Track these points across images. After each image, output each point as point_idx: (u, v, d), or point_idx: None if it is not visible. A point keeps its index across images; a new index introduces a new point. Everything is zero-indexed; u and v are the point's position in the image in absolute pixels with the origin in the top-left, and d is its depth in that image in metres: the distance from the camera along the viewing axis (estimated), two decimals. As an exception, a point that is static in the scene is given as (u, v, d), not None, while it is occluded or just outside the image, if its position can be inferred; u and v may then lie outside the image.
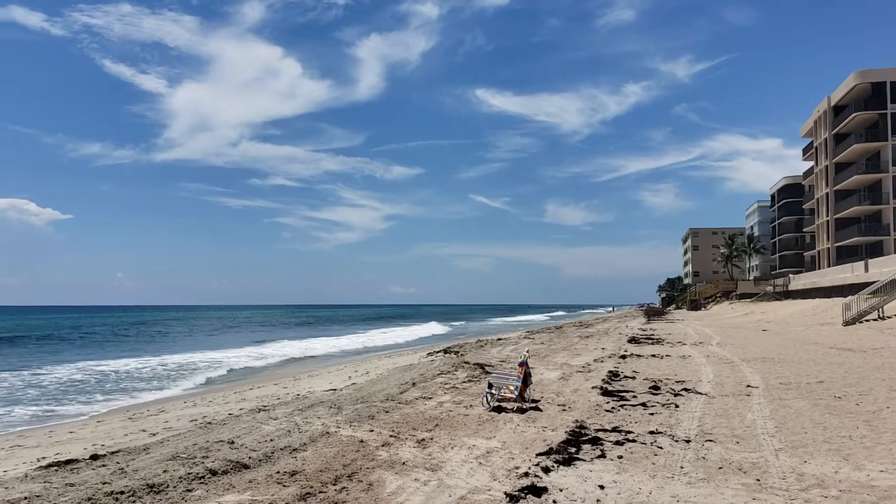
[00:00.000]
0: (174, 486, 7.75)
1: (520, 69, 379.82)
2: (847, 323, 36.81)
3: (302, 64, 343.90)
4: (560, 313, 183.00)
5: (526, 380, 13.05)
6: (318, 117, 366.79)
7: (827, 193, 77.32)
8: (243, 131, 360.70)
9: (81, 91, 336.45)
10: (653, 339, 34.13)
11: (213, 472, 8.28)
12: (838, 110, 74.91)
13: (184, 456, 9.33)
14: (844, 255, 71.70)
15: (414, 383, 17.07)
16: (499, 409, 12.31)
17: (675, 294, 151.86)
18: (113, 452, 10.19)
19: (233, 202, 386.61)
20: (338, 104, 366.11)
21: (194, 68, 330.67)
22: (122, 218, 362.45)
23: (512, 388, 12.81)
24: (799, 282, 73.00)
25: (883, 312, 36.51)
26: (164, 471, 8.49)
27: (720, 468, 8.02)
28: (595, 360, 22.21)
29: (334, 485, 7.57)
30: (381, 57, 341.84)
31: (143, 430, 13.01)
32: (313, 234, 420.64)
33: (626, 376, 17.39)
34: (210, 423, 12.96)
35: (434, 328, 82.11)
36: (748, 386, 15.11)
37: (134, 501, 7.25)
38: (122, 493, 7.52)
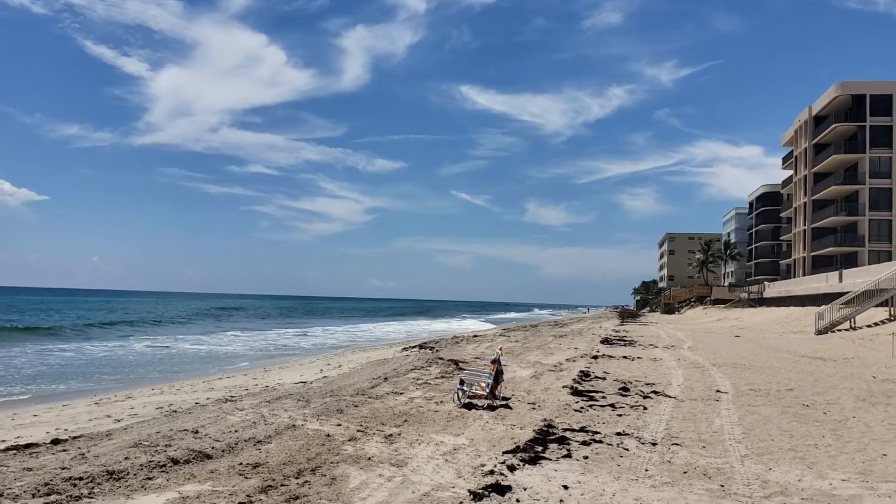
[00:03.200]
0: (134, 474, 7.64)
1: (505, 68, 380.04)
2: (819, 332, 37.19)
3: (286, 52, 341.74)
4: (543, 312, 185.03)
5: (497, 377, 13.03)
6: (300, 106, 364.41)
7: (805, 203, 78.03)
8: (224, 117, 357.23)
9: (62, 71, 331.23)
10: (625, 340, 34.28)
11: (175, 461, 8.17)
12: (819, 121, 75.57)
13: (146, 443, 9.20)
14: (820, 265, 72.38)
15: (386, 378, 16.99)
16: (469, 406, 12.27)
17: (650, 297, 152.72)
18: (75, 437, 10.05)
19: (211, 188, 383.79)
20: (321, 94, 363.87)
21: (177, 53, 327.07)
22: (99, 201, 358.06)
23: (483, 385, 12.78)
24: (773, 289, 73.65)
25: (855, 323, 36.92)
26: (126, 458, 8.37)
27: (685, 472, 8.03)
28: (567, 360, 22.26)
29: (297, 478, 7.49)
30: (367, 49, 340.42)
31: (108, 416, 12.84)
32: (291, 224, 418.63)
33: (596, 377, 17.43)
34: (176, 411, 12.82)
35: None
36: (718, 391, 15.18)
37: (92, 488, 7.13)
38: (80, 478, 7.40)
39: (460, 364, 20.10)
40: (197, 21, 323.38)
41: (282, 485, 7.24)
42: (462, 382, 12.95)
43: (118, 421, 12.11)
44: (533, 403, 12.95)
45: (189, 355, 32.24)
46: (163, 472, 7.76)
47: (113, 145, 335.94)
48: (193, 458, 8.33)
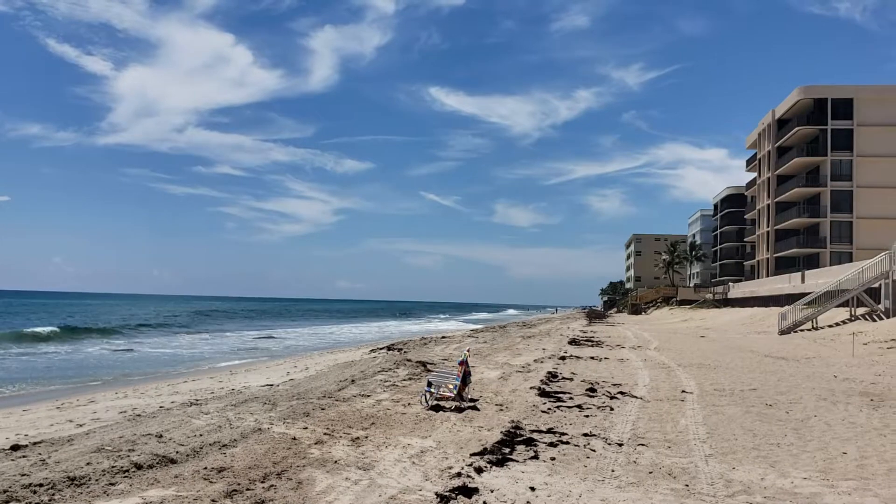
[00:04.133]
0: (96, 480, 7.51)
1: (473, 69, 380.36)
2: (782, 332, 37.78)
3: (253, 52, 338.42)
4: (516, 312, 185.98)
5: (465, 379, 13.03)
6: (267, 107, 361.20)
7: (768, 205, 79.20)
8: (190, 118, 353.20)
9: (23, 70, 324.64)
10: (593, 341, 34.51)
11: (139, 466, 8.05)
12: (782, 124, 76.79)
13: (109, 448, 9.05)
14: (783, 266, 73.50)
15: (353, 380, 16.92)
16: (437, 408, 12.27)
17: (617, 298, 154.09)
18: (35, 443, 9.84)
19: (177, 189, 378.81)
20: (289, 94, 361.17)
21: (142, 52, 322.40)
22: (61, 202, 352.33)
23: (451, 386, 12.77)
24: (738, 290, 74.67)
25: (816, 323, 37.57)
26: (88, 463, 8.22)
27: (650, 473, 8.10)
28: (535, 361, 22.34)
29: (262, 482, 7.42)
30: (335, 49, 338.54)
31: (70, 421, 12.60)
32: (259, 226, 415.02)
33: (564, 377, 17.52)
34: (139, 415, 12.63)
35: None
36: (683, 391, 15.34)
37: (53, 495, 7.00)
38: (40, 485, 7.26)
39: (428, 366, 20.08)
40: (162, 20, 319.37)
41: (247, 489, 7.17)
42: (430, 384, 12.93)
43: (80, 426, 11.89)
44: (501, 405, 12.97)
45: (154, 358, 31.86)
46: (126, 477, 7.65)
47: (76, 145, 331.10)
48: (157, 463, 8.21)
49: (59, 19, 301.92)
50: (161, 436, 9.89)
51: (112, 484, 7.38)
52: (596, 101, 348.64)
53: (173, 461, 8.35)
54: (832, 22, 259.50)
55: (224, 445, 9.22)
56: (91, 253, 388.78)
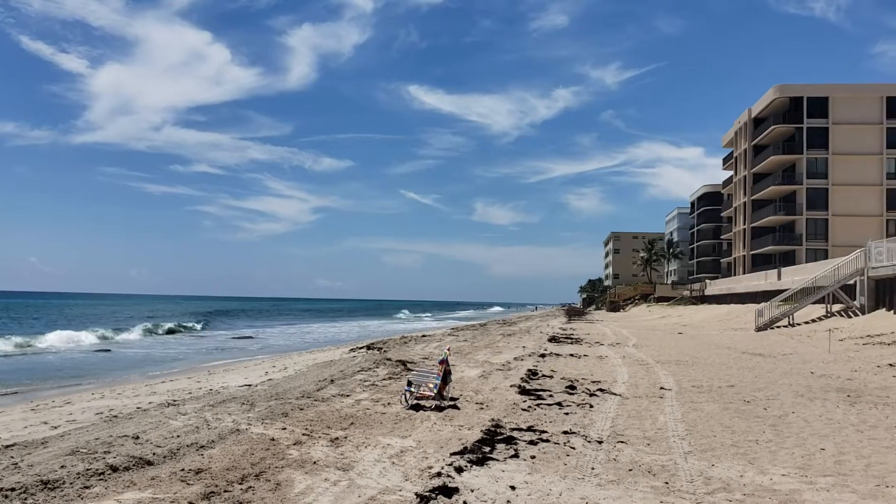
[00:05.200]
0: (70, 483, 7.39)
1: (452, 68, 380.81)
2: (759, 329, 38.10)
3: (231, 50, 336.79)
4: (498, 309, 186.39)
5: (446, 378, 12.99)
6: (245, 105, 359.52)
7: (744, 203, 79.89)
8: (167, 116, 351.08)
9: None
10: (572, 338, 34.62)
11: (114, 469, 7.93)
12: (758, 122, 77.50)
13: (84, 451, 8.92)
14: (759, 263, 74.17)
15: (332, 380, 16.83)
16: (417, 408, 12.21)
17: (596, 295, 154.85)
18: (8, 446, 9.66)
19: (153, 188, 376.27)
20: (267, 92, 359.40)
21: (118, 49, 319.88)
22: (37, 201, 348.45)
23: (431, 385, 12.73)
24: (715, 287, 75.28)
25: (793, 319, 37.93)
26: (62, 466, 8.10)
27: (630, 470, 8.10)
28: (515, 359, 22.36)
29: (240, 484, 7.34)
30: (313, 47, 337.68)
31: (45, 423, 12.41)
32: (237, 224, 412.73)
33: (544, 375, 17.54)
34: (116, 416, 12.47)
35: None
36: (661, 388, 15.40)
37: (25, 499, 6.88)
38: (12, 489, 7.13)
39: (408, 365, 20.03)
40: (139, 17, 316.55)
41: (225, 491, 7.09)
42: (410, 384, 12.88)
43: (55, 428, 11.71)
44: (481, 403, 12.95)
45: (131, 358, 31.55)
46: (101, 480, 7.53)
47: (51, 144, 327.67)
48: (133, 465, 8.10)
49: (32, 16, 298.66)
50: (138, 437, 9.77)
51: (87, 487, 7.26)
52: (574, 100, 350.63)
53: (150, 463, 8.24)
54: (807, 21, 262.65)
55: (202, 447, 9.12)
56: (67, 252, 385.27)
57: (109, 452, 8.77)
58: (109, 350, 36.22)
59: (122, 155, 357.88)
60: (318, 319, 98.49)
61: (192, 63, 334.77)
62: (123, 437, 9.81)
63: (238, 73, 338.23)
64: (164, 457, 8.54)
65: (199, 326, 66.21)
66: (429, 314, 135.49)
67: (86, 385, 20.89)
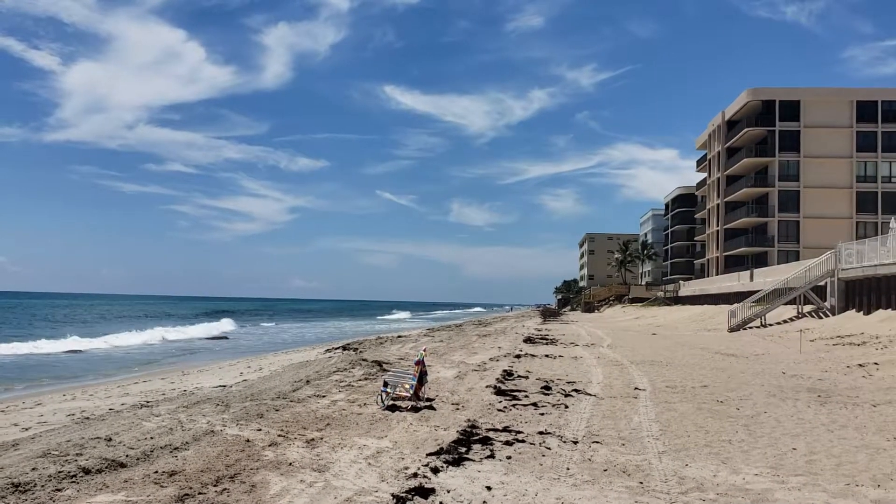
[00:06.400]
0: (42, 486, 7.30)
1: (428, 68, 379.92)
2: (732, 329, 38.48)
3: (206, 48, 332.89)
4: (480, 309, 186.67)
5: (422, 378, 13.00)
6: (220, 104, 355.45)
7: (718, 204, 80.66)
8: (140, 114, 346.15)
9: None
10: (547, 339, 34.74)
11: (87, 471, 7.84)
12: (731, 125, 78.29)
13: (56, 453, 8.81)
14: (732, 265, 74.90)
15: (308, 381, 16.76)
16: (393, 408, 12.20)
17: (571, 296, 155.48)
18: (-23, 449, 9.55)
19: (127, 187, 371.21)
20: (242, 91, 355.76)
21: (91, 47, 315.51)
22: (7, 199, 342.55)
23: (407, 386, 12.74)
24: (688, 288, 76.00)
25: (765, 320, 38.38)
26: (33, 469, 7.99)
27: (605, 470, 8.16)
28: (491, 359, 22.40)
29: (215, 486, 7.29)
30: (289, 46, 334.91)
31: (15, 425, 12.24)
32: (211, 224, 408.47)
33: (519, 376, 17.59)
34: (88, 418, 12.33)
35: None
36: (636, 388, 15.51)
37: (-4, 502, 6.79)
38: (-18, 493, 7.03)
39: (384, 365, 20.00)
40: (112, 14, 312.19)
41: (199, 493, 7.03)
42: (386, 384, 12.87)
43: (26, 429, 11.56)
44: (457, 404, 12.97)
45: (103, 358, 31.20)
46: (73, 482, 7.45)
47: (22, 141, 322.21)
48: (106, 468, 8.02)
49: (3, 12, 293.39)
50: (110, 439, 9.66)
51: (59, 490, 7.17)
52: (550, 101, 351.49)
53: (123, 465, 8.15)
54: (779, 25, 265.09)
55: (175, 448, 9.04)
56: (38, 252, 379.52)
57: (81, 455, 8.66)
58: (82, 350, 35.70)
59: (95, 153, 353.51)
60: (294, 319, 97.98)
61: (166, 61, 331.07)
62: (96, 438, 9.70)
63: (213, 72, 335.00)
64: (138, 459, 8.46)
65: (171, 326, 65.32)
66: (400, 314, 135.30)
67: (57, 386, 20.62)
